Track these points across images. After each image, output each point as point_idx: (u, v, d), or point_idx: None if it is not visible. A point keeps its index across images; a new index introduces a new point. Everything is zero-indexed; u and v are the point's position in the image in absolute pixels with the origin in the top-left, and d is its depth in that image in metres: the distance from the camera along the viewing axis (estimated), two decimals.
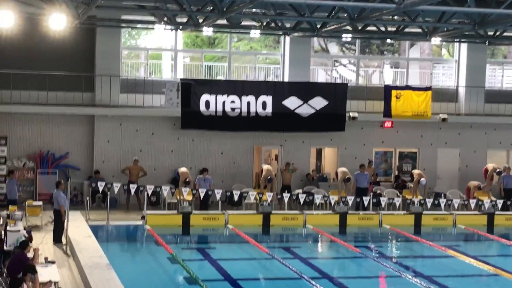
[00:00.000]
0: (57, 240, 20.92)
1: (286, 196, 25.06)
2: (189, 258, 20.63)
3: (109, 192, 24.08)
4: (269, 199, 25.12)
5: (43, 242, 20.49)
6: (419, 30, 27.13)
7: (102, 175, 27.26)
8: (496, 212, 26.36)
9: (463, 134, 31.19)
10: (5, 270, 14.38)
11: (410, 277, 18.52)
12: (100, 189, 23.72)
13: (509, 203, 26.75)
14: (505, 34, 28.16)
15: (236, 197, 25.13)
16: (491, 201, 26.38)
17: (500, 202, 26.27)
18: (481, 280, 19.67)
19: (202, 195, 24.68)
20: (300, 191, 27.56)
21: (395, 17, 25.31)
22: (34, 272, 13.27)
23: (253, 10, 25.19)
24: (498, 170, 28.65)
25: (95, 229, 22.25)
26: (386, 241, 24.92)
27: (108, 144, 28.05)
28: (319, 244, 24.50)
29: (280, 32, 28.65)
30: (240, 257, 21.53)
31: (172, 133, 28.54)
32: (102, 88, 27.63)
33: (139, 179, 26.76)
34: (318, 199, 25.27)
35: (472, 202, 26.11)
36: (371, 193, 27.01)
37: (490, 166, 29.36)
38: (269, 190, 26.36)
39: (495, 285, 19.02)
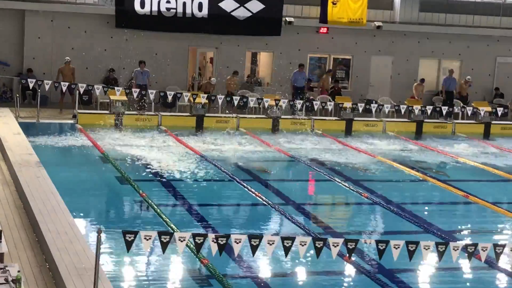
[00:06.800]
0: None
1: (220, 98, 24.92)
2: (121, 157, 20.57)
3: (39, 90, 23.66)
4: (203, 102, 25.06)
5: None
6: None
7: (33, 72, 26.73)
8: (425, 120, 26.91)
9: (396, 42, 31.41)
10: None
11: (338, 180, 18.91)
12: (31, 85, 23.32)
13: (448, 102, 27.13)
14: None
15: (170, 98, 24.89)
16: (421, 107, 26.62)
17: (429, 109, 26.47)
18: (402, 184, 20.17)
19: (136, 95, 24.03)
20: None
21: None
22: None
23: None
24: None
25: (24, 126, 21.99)
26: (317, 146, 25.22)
27: (39, 40, 27.41)
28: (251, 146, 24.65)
29: None
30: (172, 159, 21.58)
31: (105, 31, 28.00)
32: None
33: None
34: (252, 102, 25.25)
35: (403, 108, 26.22)
36: (306, 93, 27.43)
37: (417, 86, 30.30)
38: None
39: (421, 189, 19.59)
